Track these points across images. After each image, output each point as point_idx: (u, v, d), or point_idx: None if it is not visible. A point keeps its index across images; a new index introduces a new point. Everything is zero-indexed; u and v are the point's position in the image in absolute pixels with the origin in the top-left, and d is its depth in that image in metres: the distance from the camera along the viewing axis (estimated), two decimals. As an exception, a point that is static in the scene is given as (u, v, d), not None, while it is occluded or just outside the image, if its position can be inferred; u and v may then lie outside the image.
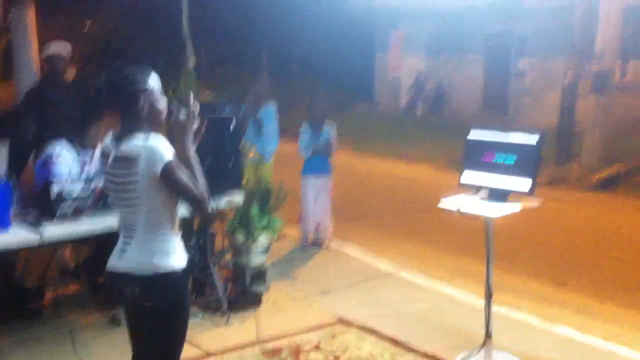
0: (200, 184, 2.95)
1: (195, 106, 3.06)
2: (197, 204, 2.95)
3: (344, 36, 24.04)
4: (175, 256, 3.01)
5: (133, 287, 2.97)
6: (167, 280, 2.96)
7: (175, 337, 3.08)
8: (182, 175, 2.90)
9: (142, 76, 2.99)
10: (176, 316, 3.04)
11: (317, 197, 7.27)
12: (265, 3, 25.00)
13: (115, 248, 3.09)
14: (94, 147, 5.42)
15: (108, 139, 3.05)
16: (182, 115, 3.01)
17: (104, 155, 3.05)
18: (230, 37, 26.13)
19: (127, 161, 2.89)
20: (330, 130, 7.32)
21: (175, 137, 3.02)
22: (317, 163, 7.30)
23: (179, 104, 3.10)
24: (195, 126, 3.06)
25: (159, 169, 2.84)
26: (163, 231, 2.98)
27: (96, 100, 3.07)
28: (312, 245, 7.36)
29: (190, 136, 3.03)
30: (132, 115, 2.96)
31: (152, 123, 3.01)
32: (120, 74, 2.98)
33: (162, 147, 2.87)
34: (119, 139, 2.97)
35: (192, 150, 3.01)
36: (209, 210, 3.04)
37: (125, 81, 2.96)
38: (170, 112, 3.07)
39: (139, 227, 2.97)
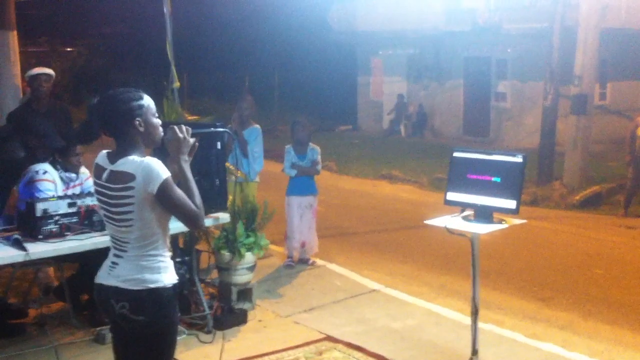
0: (197, 199, 2.98)
1: (187, 127, 3.11)
2: (192, 219, 2.97)
3: (326, 61, 24.27)
4: (166, 273, 3.02)
5: (123, 301, 2.96)
6: (157, 295, 2.97)
7: (164, 353, 3.07)
8: (178, 192, 2.94)
9: (136, 96, 3.02)
10: (166, 332, 3.03)
11: (302, 216, 7.30)
12: (247, 31, 25.17)
13: (105, 263, 3.09)
14: (77, 169, 5.43)
15: (101, 157, 3.07)
16: (177, 134, 3.06)
17: (95, 171, 3.06)
18: (213, 64, 26.22)
19: (122, 178, 2.91)
20: (314, 151, 7.38)
21: (171, 154, 3.07)
22: (302, 183, 7.35)
23: (173, 124, 3.15)
24: (190, 142, 3.10)
25: (155, 187, 2.87)
26: (155, 248, 2.99)
27: (88, 123, 3.08)
28: (297, 263, 7.36)
29: (186, 154, 3.07)
30: (128, 135, 2.99)
31: (148, 141, 3.05)
32: (111, 97, 3.01)
33: (158, 166, 2.91)
34: (113, 157, 3.00)
35: (187, 167, 3.06)
36: (204, 225, 3.07)
37: (117, 102, 2.99)
38: (165, 131, 3.10)
39: (131, 243, 2.98)
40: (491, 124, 19.57)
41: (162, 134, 3.10)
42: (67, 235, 4.64)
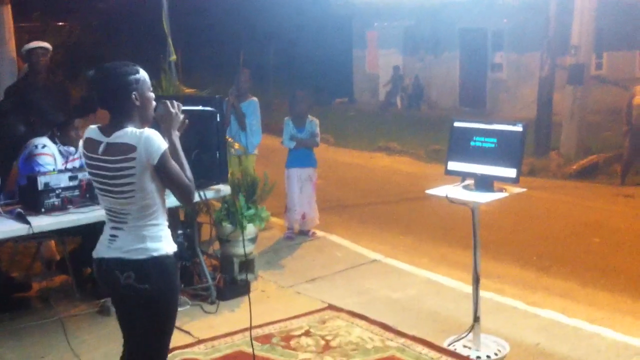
0: (188, 174, 3.05)
1: (178, 102, 3.17)
2: (186, 192, 3.05)
3: (321, 34, 24.09)
4: (167, 241, 3.08)
5: (128, 271, 3.00)
6: (160, 263, 3.02)
7: (169, 320, 3.14)
8: (174, 164, 3.00)
9: (132, 69, 3.04)
10: (169, 298, 3.09)
11: (302, 188, 7.32)
12: (242, 4, 24.94)
13: (102, 237, 3.12)
14: (75, 143, 5.44)
15: (92, 131, 3.08)
16: (169, 108, 3.12)
17: (88, 146, 3.07)
18: (208, 39, 26.04)
19: (123, 149, 2.93)
20: (313, 124, 7.38)
21: (162, 128, 3.11)
22: (301, 155, 7.37)
23: (165, 98, 3.20)
24: (180, 118, 3.17)
25: (156, 157, 2.91)
26: (155, 218, 3.04)
27: (86, 97, 3.11)
28: (298, 235, 7.41)
29: (176, 128, 3.15)
30: (124, 107, 3.01)
31: (143, 115, 3.08)
32: (107, 70, 3.03)
33: (157, 137, 2.94)
34: (108, 130, 3.01)
35: (177, 141, 3.12)
36: (195, 198, 3.14)
37: (114, 75, 3.01)
38: (157, 105, 3.15)
39: (131, 214, 3.01)
40: (488, 95, 19.54)
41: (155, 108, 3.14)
42: (69, 208, 4.66)
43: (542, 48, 13.15)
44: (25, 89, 6.25)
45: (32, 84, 6.38)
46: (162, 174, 2.96)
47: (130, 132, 2.94)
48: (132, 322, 3.15)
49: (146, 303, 3.03)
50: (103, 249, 3.09)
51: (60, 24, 29.24)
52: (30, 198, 4.66)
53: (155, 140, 2.92)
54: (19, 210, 4.52)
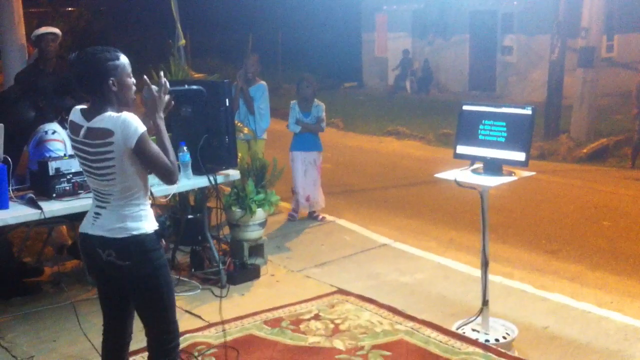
0: (171, 156, 3.13)
1: (166, 83, 3.23)
2: (167, 174, 3.12)
3: (330, 17, 24.02)
4: (147, 221, 3.17)
5: (109, 249, 3.11)
6: (140, 241, 3.11)
7: (161, 294, 3.19)
8: (154, 146, 3.07)
9: (112, 55, 3.09)
10: (155, 273, 3.16)
11: (306, 171, 7.36)
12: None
13: (88, 214, 3.24)
14: None
15: (75, 114, 3.15)
16: (152, 92, 3.19)
17: (71, 128, 3.15)
18: (216, 24, 26.00)
19: (101, 134, 3.00)
20: (319, 108, 7.39)
21: (147, 112, 3.20)
22: (306, 140, 7.41)
23: (150, 81, 3.26)
24: (165, 100, 3.24)
25: (133, 141, 2.98)
26: (136, 199, 3.13)
27: (66, 77, 3.16)
28: (307, 219, 7.44)
29: (161, 111, 3.22)
30: (102, 93, 3.07)
31: (122, 99, 3.13)
32: (87, 54, 3.08)
33: (134, 121, 3.01)
34: (89, 114, 3.08)
35: (162, 124, 3.20)
36: (177, 180, 3.22)
37: (93, 60, 3.06)
38: (141, 89, 3.22)
39: (113, 195, 3.10)
40: (497, 78, 19.45)
41: (134, 96, 3.18)
42: (80, 193, 4.69)
43: (552, 31, 13.06)
44: (35, 75, 6.27)
45: (41, 70, 6.40)
46: (141, 156, 3.03)
47: (108, 117, 3.01)
48: (130, 300, 3.26)
49: (131, 279, 3.14)
50: (88, 225, 3.20)
51: (69, 9, 29.24)
52: (42, 183, 4.69)
53: (132, 124, 2.98)
54: (31, 195, 4.56)
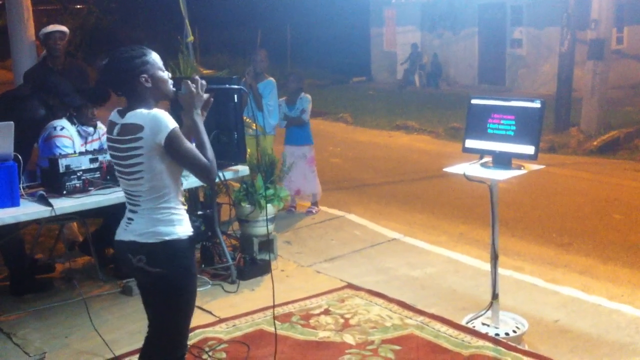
0: (209, 153, 3.03)
1: (202, 81, 3.16)
2: (203, 171, 3.03)
3: (338, 12, 23.98)
4: (180, 225, 3.08)
5: (139, 255, 3.04)
6: (171, 247, 3.03)
7: (183, 304, 3.14)
8: (186, 143, 2.99)
9: (139, 52, 3.07)
10: (184, 282, 3.09)
11: (295, 164, 7.41)
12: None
13: (123, 219, 3.16)
14: (92, 122, 5.49)
15: (113, 114, 3.12)
16: (190, 87, 3.11)
17: (108, 128, 3.12)
18: (225, 20, 26.02)
19: (131, 129, 2.96)
20: (303, 100, 7.45)
21: (184, 108, 3.12)
22: (294, 133, 7.56)
23: (186, 78, 3.19)
24: (204, 98, 3.15)
25: (163, 137, 2.92)
26: (167, 201, 3.05)
27: (99, 85, 3.13)
28: (287, 211, 7.55)
29: (199, 108, 3.13)
30: (136, 92, 3.04)
31: (158, 95, 3.10)
32: (115, 57, 3.06)
33: (165, 117, 2.96)
34: (124, 112, 3.05)
35: (200, 121, 3.11)
36: (215, 178, 3.14)
37: (121, 61, 3.04)
38: (177, 86, 3.15)
39: (143, 197, 3.04)
40: (507, 71, 19.39)
41: (172, 87, 3.14)
42: (90, 190, 4.71)
43: (562, 23, 12.99)
44: (44, 73, 6.29)
45: (50, 68, 6.42)
46: (173, 153, 2.96)
47: (139, 113, 2.97)
48: (150, 303, 3.20)
49: (159, 286, 3.07)
50: (121, 231, 3.13)
51: (79, 6, 29.33)
52: (52, 180, 4.72)
53: (162, 120, 2.93)
54: (42, 192, 4.58)
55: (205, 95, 3.16)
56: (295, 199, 7.60)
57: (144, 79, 3.03)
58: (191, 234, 3.12)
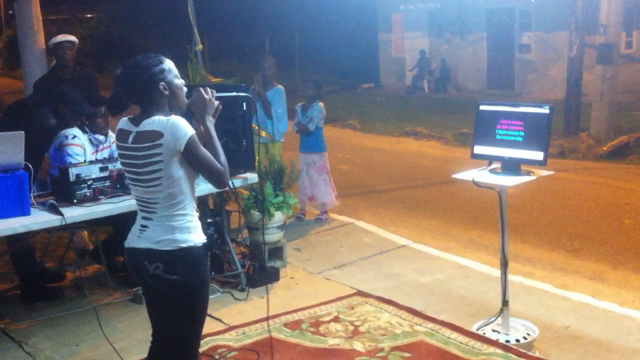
0: (222, 158, 3.08)
1: (212, 89, 3.21)
2: (218, 177, 3.06)
3: (346, 18, 24.01)
4: (196, 232, 3.10)
5: (156, 262, 3.04)
6: (189, 255, 3.05)
7: (198, 311, 3.15)
8: (203, 150, 3.03)
9: (156, 60, 3.09)
10: (198, 289, 3.10)
11: (306, 172, 7.42)
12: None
13: (134, 227, 3.17)
14: (104, 131, 5.52)
15: (123, 122, 3.14)
16: (203, 94, 3.15)
17: (119, 136, 3.13)
18: (233, 28, 26.10)
19: (151, 136, 2.97)
20: (314, 108, 7.44)
21: (196, 115, 3.16)
22: (306, 140, 7.58)
23: (199, 86, 3.24)
24: (215, 104, 3.20)
25: (183, 143, 2.95)
26: (183, 208, 3.07)
27: (116, 94, 3.15)
28: (296, 218, 7.55)
29: (210, 114, 3.18)
30: (154, 100, 3.07)
31: (175, 103, 3.13)
32: (132, 65, 3.08)
33: (183, 124, 2.98)
34: (138, 120, 3.07)
35: (212, 127, 3.15)
36: (229, 184, 3.19)
37: (139, 69, 3.06)
38: (190, 93, 3.19)
39: (159, 204, 3.05)
40: (516, 76, 19.34)
41: (187, 97, 3.17)
42: (100, 199, 4.73)
43: (571, 27, 12.97)
44: (53, 82, 6.34)
45: (59, 77, 6.47)
46: (191, 159, 3.00)
47: (157, 120, 2.99)
48: (162, 312, 3.19)
49: (175, 293, 3.07)
50: (134, 239, 3.13)
51: (88, 15, 29.51)
52: (63, 189, 4.74)
53: (181, 127, 2.96)
54: (52, 201, 4.61)
55: (216, 103, 3.21)
56: (305, 206, 7.59)
57: (162, 86, 3.06)
58: (205, 241, 3.14)
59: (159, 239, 3.04)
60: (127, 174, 3.16)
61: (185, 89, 3.17)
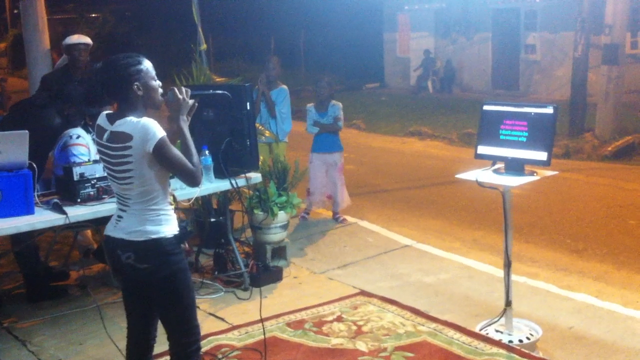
0: (194, 158, 3.17)
1: (187, 88, 3.30)
2: (189, 176, 3.16)
3: (351, 18, 24.00)
4: (168, 225, 3.20)
5: (128, 252, 3.17)
6: (159, 245, 3.15)
7: (181, 297, 3.23)
8: (173, 150, 3.11)
9: (134, 61, 3.16)
10: (175, 277, 3.19)
11: (327, 172, 7.40)
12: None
13: (113, 216, 3.30)
14: None
15: (102, 118, 3.22)
16: (177, 94, 3.23)
17: (97, 132, 3.22)
18: (238, 28, 26.12)
19: (121, 138, 3.07)
20: (335, 108, 7.41)
21: (171, 114, 3.25)
22: (326, 140, 7.46)
23: (172, 86, 3.32)
24: (190, 104, 3.28)
25: (152, 145, 3.04)
26: (155, 203, 3.17)
27: (93, 87, 3.22)
28: (328, 219, 7.47)
29: (185, 114, 3.26)
30: (128, 98, 3.15)
31: (149, 103, 3.21)
32: (111, 62, 3.16)
33: (153, 126, 3.06)
34: (113, 118, 3.15)
35: (185, 126, 3.24)
36: (201, 183, 3.29)
37: (116, 67, 3.14)
38: (165, 92, 3.27)
39: (132, 199, 3.17)
40: (521, 77, 19.30)
41: (162, 96, 3.25)
42: (104, 198, 4.74)
43: (576, 28, 12.94)
44: (62, 81, 6.33)
45: (70, 77, 6.46)
46: (162, 160, 3.08)
47: (129, 121, 3.07)
48: (145, 301, 3.30)
49: (149, 281, 3.18)
50: (111, 228, 3.26)
51: (94, 15, 29.57)
52: (67, 188, 4.75)
53: (151, 129, 3.03)
54: (56, 200, 4.62)
55: (191, 102, 3.29)
56: (311, 205, 7.57)
57: (136, 86, 3.13)
58: (177, 232, 3.24)
59: (131, 230, 3.16)
60: (104, 169, 3.29)
61: (161, 91, 3.24)
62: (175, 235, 3.21)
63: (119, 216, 3.24)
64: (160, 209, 3.18)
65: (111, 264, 3.40)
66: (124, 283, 3.39)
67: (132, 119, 3.07)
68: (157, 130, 3.05)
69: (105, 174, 3.31)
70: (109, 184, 4.73)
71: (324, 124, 7.38)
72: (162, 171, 3.14)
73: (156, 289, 3.20)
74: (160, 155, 3.06)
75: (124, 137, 3.05)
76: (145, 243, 3.14)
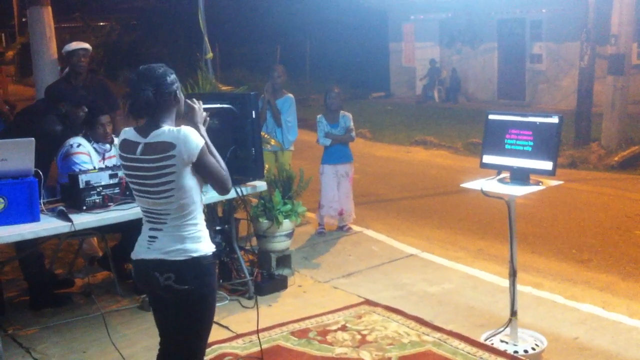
0: (223, 165, 3.15)
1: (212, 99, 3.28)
2: (224, 183, 3.13)
3: (357, 28, 24.08)
4: (205, 241, 3.12)
5: (168, 273, 3.04)
6: (199, 264, 3.06)
7: (206, 320, 3.18)
8: (212, 158, 3.08)
9: (168, 69, 3.12)
10: (207, 298, 3.12)
11: (339, 184, 7.35)
12: (278, 0, 24.94)
13: (140, 238, 3.16)
14: (106, 139, 5.54)
15: (129, 132, 3.14)
16: (191, 104, 3.24)
17: (124, 147, 3.11)
18: (244, 37, 26.20)
19: (162, 148, 2.98)
20: (346, 118, 7.39)
21: (189, 123, 3.20)
22: (338, 151, 7.39)
23: (190, 96, 3.31)
24: (204, 114, 3.29)
25: (195, 153, 2.98)
26: (193, 218, 3.08)
27: (130, 99, 3.09)
28: (335, 230, 7.44)
29: (201, 123, 3.25)
30: (167, 106, 3.08)
31: (180, 111, 3.19)
32: (150, 72, 3.06)
33: (195, 134, 3.02)
34: (145, 130, 3.06)
35: (206, 135, 3.21)
36: (232, 194, 3.20)
37: (159, 77, 3.05)
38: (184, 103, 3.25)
39: (170, 215, 3.05)
40: (526, 86, 19.30)
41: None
42: (109, 205, 4.75)
43: (582, 38, 12.93)
44: (65, 89, 6.37)
45: (72, 85, 6.50)
46: (202, 169, 3.04)
47: (168, 131, 3.00)
48: (171, 321, 3.19)
49: (184, 303, 3.07)
50: (142, 250, 3.12)
51: (101, 23, 29.70)
52: (72, 196, 4.77)
53: (193, 138, 2.99)
54: (61, 208, 4.63)
55: (204, 113, 3.29)
56: (323, 219, 7.46)
57: (177, 95, 3.12)
58: (214, 249, 3.15)
59: (169, 249, 3.04)
60: (133, 186, 3.13)
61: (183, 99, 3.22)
62: (213, 253, 3.14)
63: (152, 237, 3.09)
64: (197, 224, 3.10)
65: (147, 289, 3.25)
66: (156, 306, 3.25)
67: (170, 128, 3.01)
68: (198, 139, 3.01)
69: (133, 191, 3.16)
70: (115, 192, 4.81)
71: (338, 135, 7.34)
72: (199, 182, 3.08)
73: (185, 308, 3.08)
74: (202, 164, 3.01)
75: (165, 147, 2.96)
76: (186, 263, 3.03)
